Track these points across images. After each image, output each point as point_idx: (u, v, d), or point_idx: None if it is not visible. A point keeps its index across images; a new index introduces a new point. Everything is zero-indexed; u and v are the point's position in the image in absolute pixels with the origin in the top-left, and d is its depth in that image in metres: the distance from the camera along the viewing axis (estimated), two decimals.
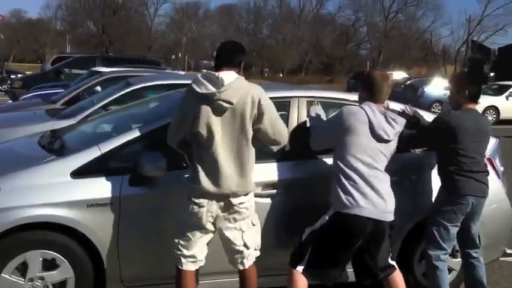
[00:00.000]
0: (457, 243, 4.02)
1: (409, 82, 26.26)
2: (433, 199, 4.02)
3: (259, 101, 3.21)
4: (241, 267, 3.40)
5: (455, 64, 53.46)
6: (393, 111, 3.70)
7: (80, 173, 3.46)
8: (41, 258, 3.40)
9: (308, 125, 3.83)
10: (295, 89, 4.50)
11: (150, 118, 3.90)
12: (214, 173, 3.19)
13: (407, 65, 56.65)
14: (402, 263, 3.94)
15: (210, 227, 3.29)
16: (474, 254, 3.98)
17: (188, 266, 3.29)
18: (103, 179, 3.50)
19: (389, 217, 3.47)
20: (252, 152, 3.28)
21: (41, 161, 3.61)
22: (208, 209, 3.24)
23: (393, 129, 3.51)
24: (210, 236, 3.34)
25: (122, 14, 67.18)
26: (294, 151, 3.87)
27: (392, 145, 3.57)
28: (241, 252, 3.35)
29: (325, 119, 3.80)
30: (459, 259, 4.14)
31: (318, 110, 3.88)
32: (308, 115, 3.89)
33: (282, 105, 3.88)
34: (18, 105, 9.51)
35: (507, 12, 73.65)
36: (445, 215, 3.79)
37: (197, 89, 3.17)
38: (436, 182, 3.98)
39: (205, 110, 3.16)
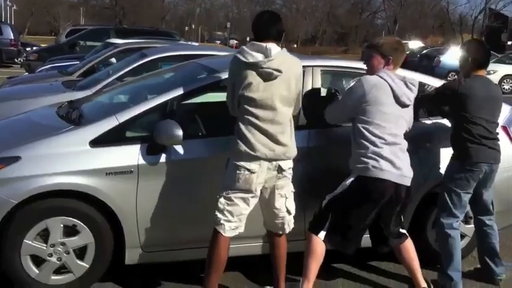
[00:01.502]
0: (470, 210, 4.07)
1: (424, 51, 25.93)
2: (441, 166, 4.06)
3: (300, 75, 3.45)
4: (280, 232, 3.52)
5: (472, 33, 52.45)
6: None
7: (98, 142, 3.53)
8: (61, 225, 3.50)
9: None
10: (309, 58, 4.50)
11: (165, 88, 3.94)
12: (268, 138, 3.29)
13: (423, 34, 55.86)
14: (415, 229, 4.01)
15: (258, 193, 3.37)
16: (487, 221, 4.02)
17: (229, 233, 3.36)
18: (121, 147, 3.56)
19: (408, 182, 3.53)
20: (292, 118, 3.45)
21: (60, 130, 3.69)
22: (259, 175, 3.31)
23: (413, 93, 3.58)
24: (255, 202, 3.41)
25: None
26: (309, 120, 3.93)
27: (411, 109, 3.63)
28: (283, 217, 3.48)
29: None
30: (472, 225, 4.19)
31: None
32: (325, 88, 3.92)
33: None
34: (35, 77, 9.60)
35: None
36: (457, 182, 3.82)
37: (244, 59, 3.27)
38: (448, 151, 3.99)
39: (255, 77, 3.27)
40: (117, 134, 3.59)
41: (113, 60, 8.47)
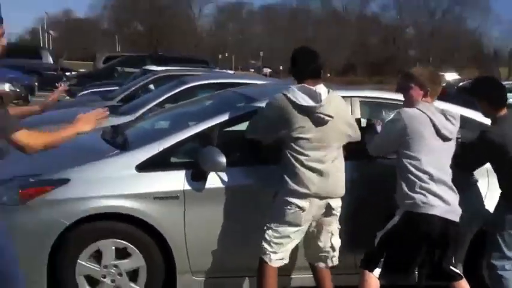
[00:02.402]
0: None
1: (462, 84, 25.66)
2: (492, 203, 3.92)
3: (348, 111, 3.63)
4: (322, 265, 3.56)
5: (509, 65, 51.73)
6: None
7: (144, 167, 3.63)
8: (113, 247, 3.59)
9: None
10: (348, 89, 4.56)
11: (205, 116, 4.03)
12: (319, 176, 3.36)
13: (457, 66, 55.32)
14: (470, 266, 3.95)
15: (305, 228, 3.44)
16: None
17: (276, 264, 3.42)
18: (167, 173, 3.66)
19: (457, 217, 3.46)
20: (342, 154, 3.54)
21: (107, 154, 3.81)
22: (309, 211, 3.38)
23: (454, 126, 3.51)
24: (302, 236, 3.48)
25: (168, 14, 68.03)
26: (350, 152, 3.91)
27: (454, 142, 3.56)
28: (327, 252, 3.54)
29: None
30: None
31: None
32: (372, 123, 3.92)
33: None
34: (78, 102, 9.89)
35: None
36: (508, 224, 3.68)
37: (296, 101, 3.34)
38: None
39: (306, 120, 3.35)
40: (162, 160, 3.69)
41: (152, 86, 8.69)
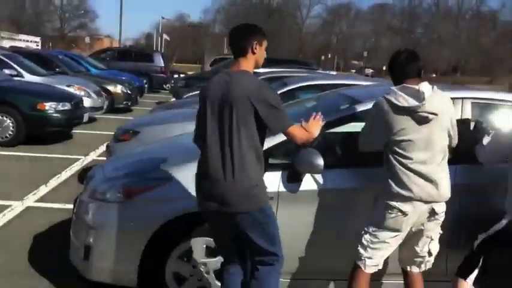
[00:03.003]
0: None
1: None
2: None
3: (453, 111, 3.41)
4: (416, 270, 3.43)
5: None
6: None
7: None
8: (204, 245, 3.64)
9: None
10: (459, 89, 4.30)
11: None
12: (423, 179, 3.22)
13: None
14: None
15: (405, 233, 3.31)
16: None
17: (370, 270, 3.33)
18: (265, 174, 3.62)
19: None
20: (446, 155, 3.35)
21: None
22: (411, 216, 3.25)
23: None
24: (400, 241, 3.35)
25: (276, 17, 68.90)
26: (457, 155, 3.72)
27: None
28: (422, 257, 3.39)
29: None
30: None
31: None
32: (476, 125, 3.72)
33: None
34: (184, 103, 10.21)
35: None
36: None
37: (397, 103, 3.22)
38: None
39: (408, 121, 3.22)
40: None
41: None
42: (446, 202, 3.41)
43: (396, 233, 3.26)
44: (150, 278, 3.65)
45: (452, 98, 3.80)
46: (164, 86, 25.40)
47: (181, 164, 3.76)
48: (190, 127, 5.88)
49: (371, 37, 71.94)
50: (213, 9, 73.22)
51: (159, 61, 25.05)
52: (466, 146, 3.62)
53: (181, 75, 24.46)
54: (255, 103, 2.96)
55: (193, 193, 3.53)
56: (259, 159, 3.03)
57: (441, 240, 3.50)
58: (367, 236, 3.30)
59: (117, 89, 15.62)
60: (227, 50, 57.74)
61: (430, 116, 3.21)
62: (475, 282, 3.32)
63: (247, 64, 3.11)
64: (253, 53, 3.10)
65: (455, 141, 3.42)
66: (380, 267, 3.36)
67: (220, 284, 3.63)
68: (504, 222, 3.28)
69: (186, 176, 3.64)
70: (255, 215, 3.01)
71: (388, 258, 3.38)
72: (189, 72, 26.02)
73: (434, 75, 54.29)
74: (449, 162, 3.66)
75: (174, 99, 15.27)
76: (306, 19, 73.73)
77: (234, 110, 2.96)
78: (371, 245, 3.28)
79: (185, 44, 67.90)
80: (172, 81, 22.55)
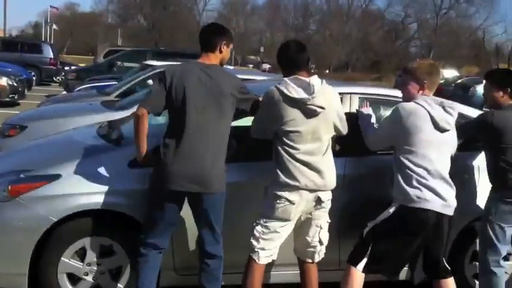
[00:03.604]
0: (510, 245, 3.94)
1: (460, 81, 25.58)
2: (480, 200, 3.97)
3: (340, 105, 3.53)
4: (309, 260, 3.52)
5: (508, 62, 51.68)
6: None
7: (137, 163, 3.53)
8: (99, 244, 3.54)
9: (360, 123, 3.83)
10: (347, 85, 4.49)
11: None
12: (309, 169, 3.31)
13: (458, 63, 55.19)
14: (452, 263, 3.91)
15: (294, 222, 3.40)
16: None
17: (264, 261, 3.39)
18: None
19: (451, 211, 3.46)
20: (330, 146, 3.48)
21: (100, 150, 3.77)
22: (298, 205, 3.33)
23: (452, 117, 3.50)
24: (290, 230, 3.43)
25: (172, 9, 67.98)
26: (345, 148, 3.91)
27: (453, 133, 3.55)
28: (314, 247, 3.49)
29: (374, 120, 3.79)
30: (510, 262, 4.05)
31: (368, 111, 3.87)
32: (359, 116, 3.88)
33: None
34: (75, 96, 9.81)
35: None
36: (502, 216, 3.71)
37: (289, 94, 3.29)
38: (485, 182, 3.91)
39: (296, 112, 3.30)
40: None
41: (150, 82, 8.58)
42: (338, 193, 3.57)
43: (285, 223, 3.36)
44: (42, 281, 3.50)
45: (341, 93, 3.99)
46: (54, 78, 24.26)
47: (73, 160, 3.62)
48: (81, 121, 5.77)
49: (267, 33, 73.07)
50: None
51: (48, 52, 23.90)
52: (355, 139, 3.78)
53: (73, 67, 23.43)
54: (238, 99, 3.36)
55: (87, 189, 3.46)
56: (226, 147, 3.38)
57: (333, 230, 3.63)
58: (258, 228, 3.37)
59: (2, 81, 14.67)
60: (121, 41, 56.25)
61: (318, 110, 3.32)
62: (364, 269, 3.46)
63: (215, 59, 3.42)
64: (220, 52, 3.41)
65: (345, 132, 3.56)
66: (274, 257, 3.43)
67: (115, 283, 3.59)
68: (391, 210, 3.45)
69: (80, 172, 3.54)
70: (221, 195, 3.34)
71: (285, 248, 3.45)
72: (81, 64, 25.01)
73: (327, 71, 56.17)
74: (339, 154, 3.85)
75: (65, 92, 14.63)
76: (202, 12, 73.45)
77: (221, 101, 3.29)
78: (263, 236, 3.36)
79: (76, 35, 65.17)
80: (63, 74, 21.58)
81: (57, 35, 54.38)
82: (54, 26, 50.69)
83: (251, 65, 60.94)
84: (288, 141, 3.31)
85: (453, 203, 3.46)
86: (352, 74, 55.52)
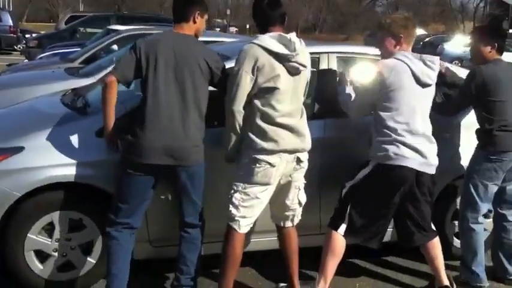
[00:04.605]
0: (491, 203, 3.90)
1: (427, 39, 25.72)
2: (463, 157, 3.91)
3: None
4: (289, 224, 3.39)
5: (473, 20, 52.13)
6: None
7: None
8: (67, 219, 3.35)
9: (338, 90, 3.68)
10: (324, 44, 4.33)
11: None
12: (288, 130, 3.14)
13: (424, 21, 55.44)
14: (434, 223, 3.86)
15: (274, 186, 3.22)
16: (509, 216, 3.86)
17: (245, 229, 3.22)
18: None
19: (432, 170, 3.38)
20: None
21: (65, 119, 3.53)
22: (279, 168, 3.16)
23: (434, 71, 3.40)
24: (271, 195, 3.25)
25: None
26: (324, 110, 3.78)
27: (434, 87, 3.46)
28: (293, 210, 3.36)
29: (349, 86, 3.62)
30: (490, 219, 4.02)
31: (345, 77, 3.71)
32: (339, 82, 3.72)
33: (312, 62, 3.69)
34: (36, 64, 9.41)
35: None
36: (485, 174, 3.65)
37: (272, 49, 3.09)
38: (467, 141, 3.85)
39: (281, 69, 3.11)
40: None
41: (115, 47, 8.28)
42: (317, 156, 3.47)
43: (266, 187, 3.18)
44: (9, 259, 3.32)
45: (319, 53, 3.85)
46: (15, 47, 23.42)
47: (36, 131, 3.40)
48: (44, 90, 5.48)
49: None
50: None
51: (7, 20, 23.00)
52: (334, 100, 3.66)
53: (34, 35, 22.61)
54: (213, 69, 3.20)
55: (52, 162, 3.25)
56: (203, 118, 3.21)
57: (314, 194, 3.54)
58: (237, 195, 3.17)
59: None
60: (83, 7, 54.66)
61: (301, 68, 3.16)
62: (345, 233, 3.39)
63: (190, 30, 3.24)
64: (194, 22, 3.24)
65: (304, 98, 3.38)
66: (252, 225, 3.28)
67: (86, 258, 3.42)
68: (367, 169, 3.37)
69: (44, 143, 3.31)
70: (200, 167, 3.21)
71: (260, 215, 3.29)
72: (42, 32, 24.15)
73: (294, 33, 55.73)
74: (318, 116, 3.72)
75: (26, 60, 14.07)
76: None
77: (195, 71, 3.14)
78: (243, 204, 3.17)
79: (36, 1, 62.98)
80: (24, 42, 20.81)
81: (15, 2, 52.50)
82: None
83: (218, 29, 60.15)
84: (269, 101, 3.10)
85: (434, 161, 3.39)
86: (320, 35, 55.43)
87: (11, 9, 36.17)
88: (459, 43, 22.36)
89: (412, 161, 3.28)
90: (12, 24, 23.14)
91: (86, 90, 4.39)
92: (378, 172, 3.34)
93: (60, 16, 22.88)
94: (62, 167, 3.27)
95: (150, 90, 3.10)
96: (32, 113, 4.03)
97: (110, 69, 6.02)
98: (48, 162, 3.26)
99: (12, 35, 23.03)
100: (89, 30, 15.67)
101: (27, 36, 23.38)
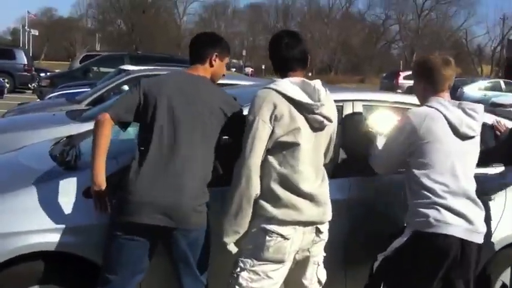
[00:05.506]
0: None
1: None
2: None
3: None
4: None
5: (491, 64, 52.02)
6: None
7: None
8: None
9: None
10: (347, 91, 3.88)
11: None
12: (305, 198, 2.66)
13: None
14: None
15: (289, 263, 2.71)
16: None
17: None
18: None
19: (480, 239, 2.87)
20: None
21: (49, 176, 3.06)
22: (294, 241, 2.65)
23: (476, 121, 2.91)
24: (285, 275, 2.74)
25: (152, 13, 67.42)
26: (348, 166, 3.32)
27: (478, 139, 2.97)
28: None
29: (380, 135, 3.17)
30: None
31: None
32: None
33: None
34: (42, 105, 9.07)
35: None
36: None
37: (292, 96, 2.61)
38: None
39: (302, 122, 2.64)
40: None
41: (125, 87, 7.90)
42: (339, 223, 2.98)
43: (279, 265, 2.67)
44: None
45: (342, 100, 3.38)
46: (30, 85, 23.45)
47: (14, 190, 2.93)
48: (39, 135, 5.04)
49: (249, 36, 72.91)
50: (83, 3, 69.97)
51: (21, 58, 23.21)
52: (360, 155, 3.20)
53: (47, 74, 22.62)
54: (227, 115, 2.78)
55: (30, 227, 2.76)
56: (209, 173, 2.77)
57: (337, 268, 3.08)
58: (244, 274, 2.66)
59: None
60: (100, 46, 55.47)
61: (326, 122, 2.69)
62: None
63: (205, 73, 2.88)
64: (211, 65, 2.88)
65: (330, 156, 2.95)
66: None
67: None
68: (404, 238, 2.88)
69: (20, 205, 2.83)
70: (203, 231, 2.74)
71: None
72: (57, 70, 24.18)
73: (310, 74, 55.94)
74: (341, 174, 3.23)
75: (38, 100, 13.85)
76: (183, 15, 72.95)
77: (206, 117, 2.72)
78: (251, 284, 2.66)
79: (55, 40, 64.18)
80: (38, 80, 20.78)
81: (35, 41, 53.45)
82: (33, 32, 49.83)
83: (234, 69, 60.64)
84: (288, 160, 2.62)
85: (482, 227, 2.89)
86: (335, 76, 55.52)
87: (30, 48, 36.59)
88: (479, 87, 22.12)
89: (457, 229, 2.79)
90: (26, 63, 23.27)
91: (80, 138, 3.93)
92: (416, 242, 2.84)
93: (77, 55, 22.95)
94: (40, 234, 2.78)
95: (150, 136, 2.67)
96: (14, 168, 3.52)
97: None
98: (25, 227, 2.77)
99: (26, 73, 23.08)
100: (102, 69, 15.54)
101: (42, 74, 23.44)
